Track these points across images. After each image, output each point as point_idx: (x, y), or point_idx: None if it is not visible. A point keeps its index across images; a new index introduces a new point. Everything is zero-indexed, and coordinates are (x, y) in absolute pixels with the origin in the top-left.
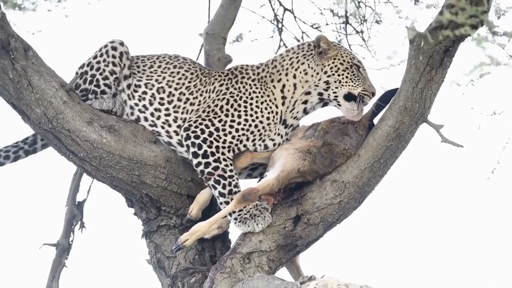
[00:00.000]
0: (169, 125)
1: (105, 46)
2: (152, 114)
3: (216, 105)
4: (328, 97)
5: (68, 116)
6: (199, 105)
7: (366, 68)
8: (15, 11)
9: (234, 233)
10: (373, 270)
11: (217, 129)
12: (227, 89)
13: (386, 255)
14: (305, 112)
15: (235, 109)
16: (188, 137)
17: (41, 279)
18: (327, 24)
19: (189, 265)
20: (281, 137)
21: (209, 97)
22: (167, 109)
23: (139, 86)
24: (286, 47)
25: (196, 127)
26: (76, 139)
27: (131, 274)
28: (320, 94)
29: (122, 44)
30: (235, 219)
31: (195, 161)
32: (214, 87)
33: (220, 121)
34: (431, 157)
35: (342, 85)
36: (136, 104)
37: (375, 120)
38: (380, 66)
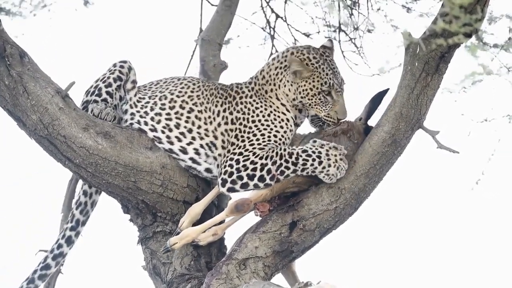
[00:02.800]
0: (170, 130)
1: (114, 63)
2: (152, 119)
3: (231, 136)
4: (305, 113)
5: (64, 122)
6: (206, 123)
7: (342, 89)
8: (3, 16)
9: (230, 239)
10: (369, 276)
11: (240, 154)
12: (231, 113)
13: (382, 260)
14: (296, 124)
15: (249, 132)
16: (224, 181)
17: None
18: (318, 32)
19: (184, 271)
20: None
21: (214, 119)
22: (168, 113)
23: (143, 98)
24: None
25: (225, 167)
26: (72, 146)
27: (127, 280)
28: (300, 111)
29: (131, 63)
30: (320, 172)
31: (251, 187)
32: (219, 111)
33: (239, 147)
34: (427, 163)
35: (312, 107)
36: (138, 111)
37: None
38: (372, 73)
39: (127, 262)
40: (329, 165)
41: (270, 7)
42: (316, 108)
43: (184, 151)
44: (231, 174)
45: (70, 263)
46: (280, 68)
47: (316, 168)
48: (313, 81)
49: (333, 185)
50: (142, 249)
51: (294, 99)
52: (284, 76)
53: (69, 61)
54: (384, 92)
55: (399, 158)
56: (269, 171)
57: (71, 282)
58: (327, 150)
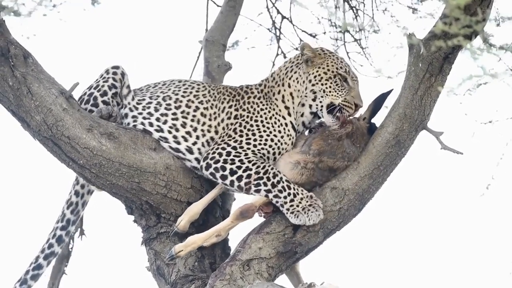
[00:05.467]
0: (177, 130)
1: (106, 69)
2: (158, 119)
3: (230, 129)
4: (316, 108)
5: (68, 123)
6: (210, 119)
7: (357, 79)
8: (11, 16)
9: (234, 240)
10: (373, 277)
11: (234, 148)
12: (237, 110)
13: (386, 261)
14: (304, 126)
15: (249, 129)
16: (208, 166)
17: (40, 287)
18: (324, 32)
19: (188, 272)
20: None
21: (219, 115)
22: (174, 113)
23: (143, 99)
24: (284, 54)
25: (214, 153)
26: (76, 146)
27: (130, 281)
28: (310, 106)
29: (123, 68)
30: (287, 209)
31: (228, 182)
32: (224, 107)
33: (235, 141)
34: (431, 164)
35: (327, 94)
36: (140, 113)
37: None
38: (377, 74)
39: (131, 263)
40: (297, 205)
41: (276, 8)
42: (332, 94)
43: (190, 150)
44: (217, 161)
45: (74, 264)
46: (291, 67)
47: (285, 203)
48: (327, 66)
49: (337, 186)
50: (146, 250)
51: (304, 90)
52: (294, 73)
53: (73, 62)
54: (388, 93)
55: (403, 159)
56: (248, 176)
57: (75, 282)
58: (301, 198)
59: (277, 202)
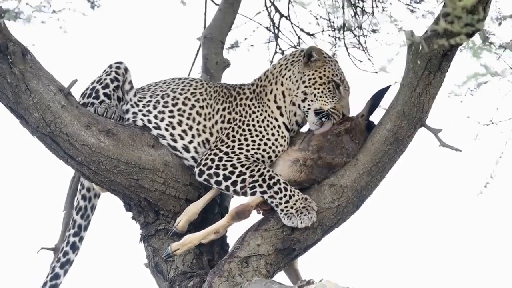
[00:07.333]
0: (173, 128)
1: (109, 64)
2: (155, 117)
3: (223, 134)
4: (303, 108)
5: (66, 120)
6: (205, 119)
7: (349, 89)
8: (11, 22)
9: (232, 237)
10: (371, 274)
11: (226, 153)
12: (229, 113)
13: (384, 259)
14: (298, 125)
15: (241, 134)
16: (202, 172)
17: (38, 283)
18: (323, 31)
19: (187, 269)
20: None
21: (213, 116)
22: (171, 111)
23: (144, 97)
24: (282, 52)
25: (206, 159)
26: (74, 143)
27: (129, 278)
28: (299, 106)
29: (126, 64)
30: (282, 210)
31: (223, 187)
32: (218, 109)
33: (228, 146)
34: (429, 161)
35: (317, 99)
36: (140, 110)
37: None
38: (376, 70)
39: (129, 259)
40: (292, 207)
41: (274, 6)
42: (322, 99)
43: (186, 149)
44: (209, 168)
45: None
46: (285, 64)
47: (280, 204)
48: (324, 71)
49: (335, 183)
50: (144, 247)
51: (295, 89)
52: (288, 70)
53: (72, 59)
54: (386, 88)
55: (402, 156)
56: (243, 181)
57: (73, 279)
58: (296, 200)
59: (272, 202)
